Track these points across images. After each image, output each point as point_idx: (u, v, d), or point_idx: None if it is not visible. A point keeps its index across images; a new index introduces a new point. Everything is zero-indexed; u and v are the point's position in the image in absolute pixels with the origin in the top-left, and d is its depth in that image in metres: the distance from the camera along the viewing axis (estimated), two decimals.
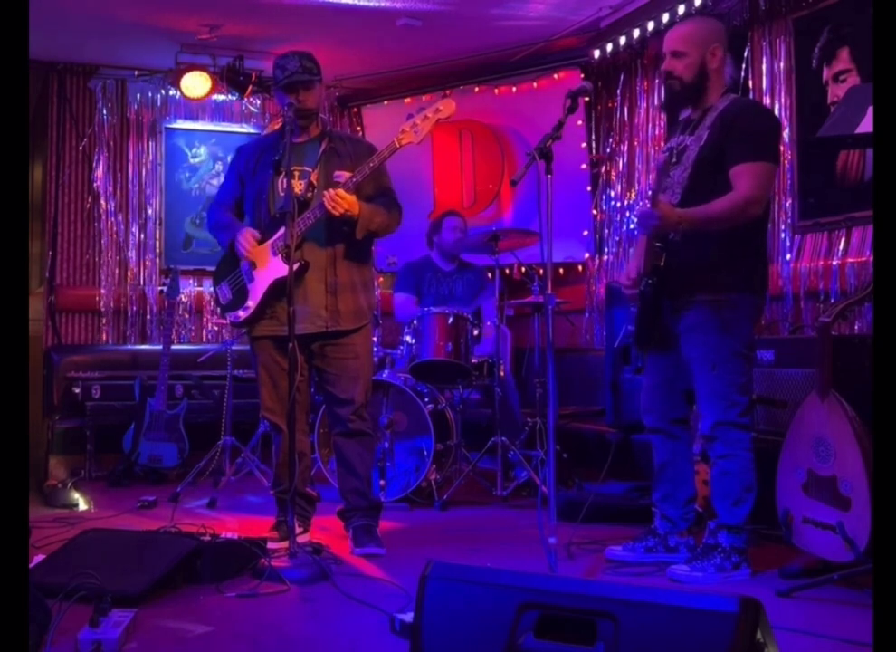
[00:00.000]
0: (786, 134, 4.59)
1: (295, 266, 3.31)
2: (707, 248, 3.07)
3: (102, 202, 6.13)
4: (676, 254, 3.08)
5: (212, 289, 6.25)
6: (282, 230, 3.35)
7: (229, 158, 6.24)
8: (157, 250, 6.25)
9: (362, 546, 3.47)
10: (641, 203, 2.99)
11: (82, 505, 4.47)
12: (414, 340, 4.66)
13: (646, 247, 3.14)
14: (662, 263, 3.08)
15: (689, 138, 3.15)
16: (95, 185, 6.11)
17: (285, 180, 3.37)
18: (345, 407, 3.57)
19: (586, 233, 5.99)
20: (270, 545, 3.33)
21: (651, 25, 5.09)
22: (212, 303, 6.22)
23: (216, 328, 6.27)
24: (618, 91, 5.81)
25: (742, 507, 3.08)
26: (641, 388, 3.41)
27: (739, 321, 3.08)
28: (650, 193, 2.92)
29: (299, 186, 3.49)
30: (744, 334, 3.10)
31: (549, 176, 3.10)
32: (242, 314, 3.58)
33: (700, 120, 3.14)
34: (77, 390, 5.37)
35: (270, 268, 3.50)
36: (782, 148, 4.58)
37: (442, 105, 3.47)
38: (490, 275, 5.21)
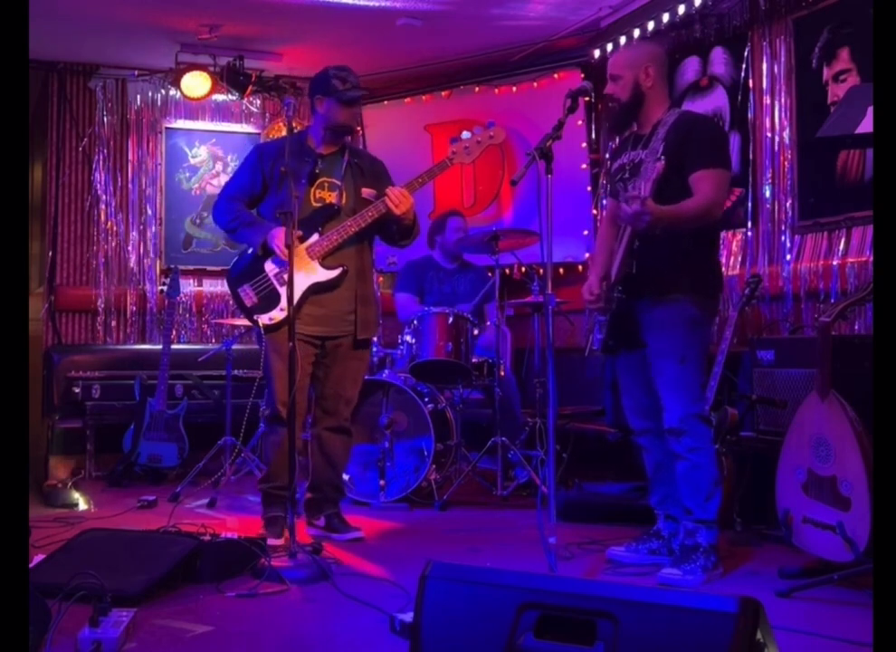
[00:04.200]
0: (786, 134, 4.60)
1: (338, 271, 3.57)
2: (675, 250, 3.12)
3: (102, 202, 6.13)
4: (646, 258, 3.13)
5: (212, 289, 6.34)
6: (316, 236, 3.56)
7: (231, 157, 6.28)
8: (157, 250, 6.25)
9: (344, 533, 3.65)
10: (623, 205, 3.02)
11: (82, 505, 4.47)
12: (414, 340, 4.66)
13: (623, 253, 3.14)
14: (633, 270, 3.13)
15: (643, 152, 3.22)
16: (95, 185, 6.11)
17: (317, 191, 3.61)
18: (346, 404, 3.72)
19: (586, 233, 5.98)
20: (270, 541, 3.36)
21: (651, 25, 5.09)
22: (212, 303, 6.22)
23: (216, 328, 6.26)
24: None
25: (713, 502, 3.11)
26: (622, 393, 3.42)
27: (704, 320, 3.20)
28: (632, 196, 2.94)
29: (330, 197, 3.64)
30: (707, 334, 3.24)
31: (549, 176, 3.10)
32: (277, 316, 3.57)
33: (651, 135, 3.22)
34: (77, 390, 5.37)
35: (306, 272, 3.54)
36: (781, 148, 4.62)
37: (494, 132, 3.76)
38: (490, 275, 5.21)
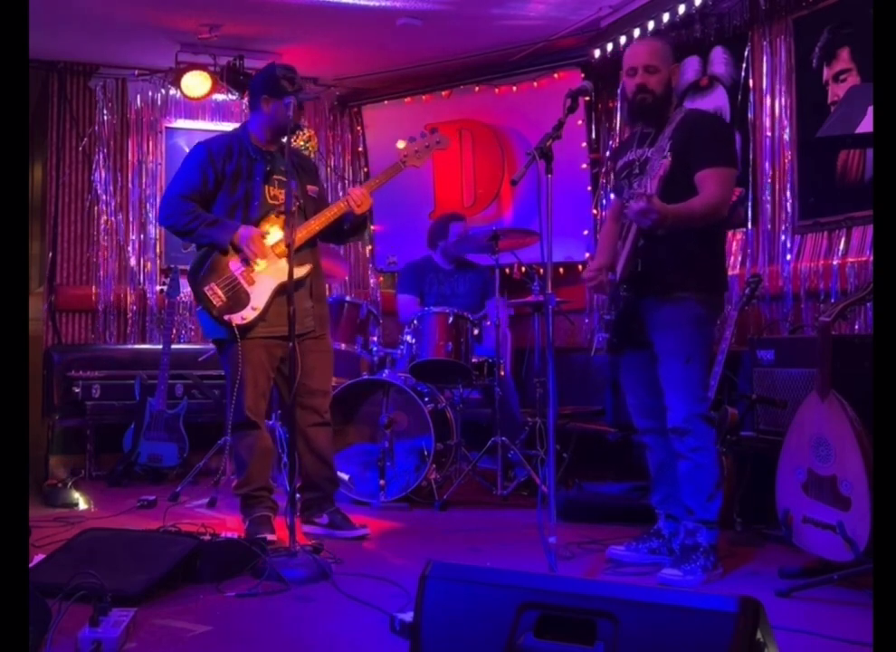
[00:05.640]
0: (786, 134, 4.60)
1: (306, 269, 3.59)
2: (681, 248, 3.12)
3: (102, 202, 6.13)
4: (651, 256, 3.13)
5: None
6: (281, 236, 3.53)
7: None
8: (157, 250, 6.24)
9: (348, 530, 3.70)
10: (631, 202, 3.01)
11: (82, 505, 4.47)
12: (414, 340, 4.66)
13: (628, 251, 3.14)
14: (639, 269, 3.13)
15: (649, 149, 3.22)
16: (95, 185, 6.11)
17: (270, 188, 3.63)
18: (323, 397, 3.76)
19: (586, 232, 5.99)
20: (269, 537, 3.39)
21: (651, 25, 5.08)
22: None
23: None
24: (618, 91, 5.81)
25: (715, 502, 3.11)
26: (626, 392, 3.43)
27: (710, 318, 3.22)
28: (638, 193, 2.94)
29: (283, 195, 3.59)
30: (711, 333, 3.28)
31: (549, 175, 3.10)
32: (249, 315, 3.57)
33: (658, 133, 3.22)
34: (77, 390, 5.37)
35: (275, 271, 3.55)
36: (781, 148, 4.62)
37: (439, 138, 3.88)
38: (490, 274, 5.21)
